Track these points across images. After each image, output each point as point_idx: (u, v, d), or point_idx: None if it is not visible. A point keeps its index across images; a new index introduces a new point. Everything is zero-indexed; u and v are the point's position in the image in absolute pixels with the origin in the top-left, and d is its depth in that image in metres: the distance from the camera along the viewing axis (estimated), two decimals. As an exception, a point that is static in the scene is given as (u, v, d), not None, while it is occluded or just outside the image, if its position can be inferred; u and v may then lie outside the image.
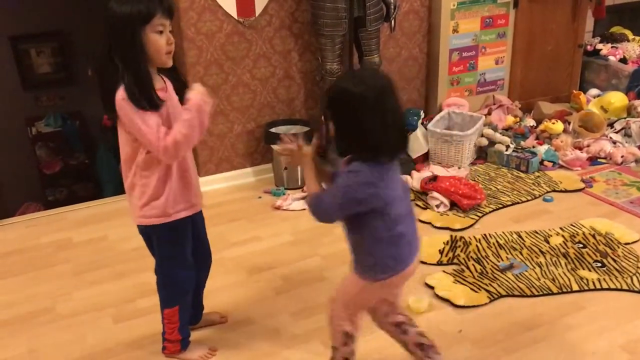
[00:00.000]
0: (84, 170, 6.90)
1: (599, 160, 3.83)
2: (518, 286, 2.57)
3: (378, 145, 1.63)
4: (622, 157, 3.77)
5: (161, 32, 1.80)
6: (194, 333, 2.31)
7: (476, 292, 2.54)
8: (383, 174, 1.67)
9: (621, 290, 2.55)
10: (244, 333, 2.38)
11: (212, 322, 2.41)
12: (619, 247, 2.83)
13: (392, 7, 3.53)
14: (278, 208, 3.38)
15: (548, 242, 2.90)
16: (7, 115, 6.35)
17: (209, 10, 3.36)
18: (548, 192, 3.44)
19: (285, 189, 3.59)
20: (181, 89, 1.95)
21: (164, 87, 1.91)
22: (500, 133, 3.88)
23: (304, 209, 3.36)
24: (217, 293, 2.62)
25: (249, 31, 3.50)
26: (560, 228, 3.03)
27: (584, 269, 2.69)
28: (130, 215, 2.05)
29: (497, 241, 2.92)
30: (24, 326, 2.47)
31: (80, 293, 2.67)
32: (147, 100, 1.79)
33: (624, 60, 4.63)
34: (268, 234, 3.13)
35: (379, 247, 1.75)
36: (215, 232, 3.14)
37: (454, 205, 3.27)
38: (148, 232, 2.05)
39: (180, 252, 2.08)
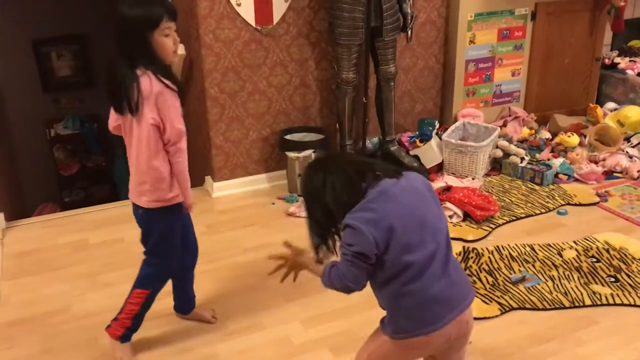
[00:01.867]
0: (101, 172, 6.99)
1: (614, 174, 3.81)
2: (530, 299, 2.56)
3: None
4: (638, 171, 3.75)
5: (167, 35, 1.97)
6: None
7: (487, 303, 2.54)
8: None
9: (634, 306, 2.53)
10: (254, 339, 2.39)
11: (202, 318, 2.49)
12: (633, 263, 2.81)
13: (409, 17, 3.55)
14: (291, 215, 3.40)
15: (561, 256, 2.89)
16: (27, 117, 6.45)
17: (228, 18, 3.40)
18: (562, 205, 3.43)
19: (299, 195, 3.61)
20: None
21: None
22: (515, 145, 3.87)
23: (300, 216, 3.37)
24: (228, 298, 2.64)
25: (266, 39, 3.53)
26: (574, 242, 3.01)
27: (597, 283, 2.67)
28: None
29: (509, 253, 2.91)
30: (39, 325, 2.51)
31: (95, 294, 2.71)
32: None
33: (642, 74, 4.61)
34: (280, 240, 3.11)
35: (389, 301, 1.61)
36: (228, 237, 3.19)
37: (467, 216, 3.27)
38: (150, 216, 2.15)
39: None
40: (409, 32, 3.63)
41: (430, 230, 1.56)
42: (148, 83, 1.94)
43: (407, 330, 1.59)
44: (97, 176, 6.98)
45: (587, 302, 2.55)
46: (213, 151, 3.65)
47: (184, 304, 2.49)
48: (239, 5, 3.39)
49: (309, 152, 3.56)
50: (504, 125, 4.14)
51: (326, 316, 2.49)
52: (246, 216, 3.41)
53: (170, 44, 1.98)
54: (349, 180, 1.58)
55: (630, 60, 4.73)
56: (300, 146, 3.56)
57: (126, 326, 2.22)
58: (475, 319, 2.42)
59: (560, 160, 3.83)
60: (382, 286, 1.60)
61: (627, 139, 4.12)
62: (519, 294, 2.60)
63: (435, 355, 1.73)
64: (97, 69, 6.85)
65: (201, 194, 3.78)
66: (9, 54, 5.82)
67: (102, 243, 3.15)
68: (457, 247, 2.98)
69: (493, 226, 3.20)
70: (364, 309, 2.54)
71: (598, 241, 3.00)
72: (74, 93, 6.87)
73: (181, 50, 3.72)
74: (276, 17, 3.50)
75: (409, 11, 3.54)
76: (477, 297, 2.58)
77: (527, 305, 2.53)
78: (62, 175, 6.89)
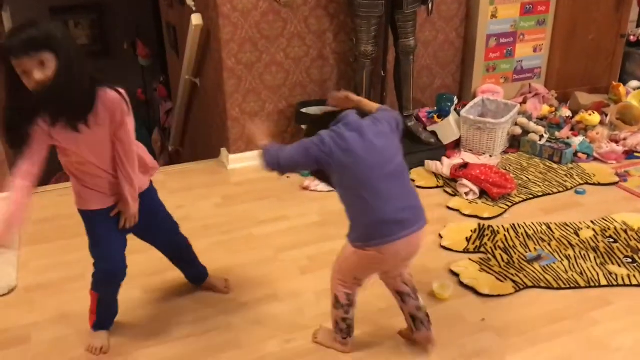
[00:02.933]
0: (117, 142, 7.01)
1: (635, 154, 3.75)
2: (545, 278, 2.55)
3: None
4: (659, 152, 3.68)
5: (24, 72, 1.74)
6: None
7: (502, 281, 2.53)
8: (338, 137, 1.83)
9: (651, 287, 2.51)
10: (268, 310, 2.41)
11: (215, 288, 2.50)
12: (651, 244, 2.78)
13: (431, -10, 3.47)
14: (306, 188, 3.39)
15: (578, 235, 2.86)
16: (45, 85, 6.46)
17: (246, -12, 3.36)
18: (581, 184, 3.38)
19: (314, 169, 3.60)
20: None
21: None
22: (535, 122, 3.82)
23: (331, 190, 3.36)
24: (243, 269, 2.66)
25: (284, 10, 3.49)
26: (591, 221, 2.98)
27: (613, 264, 2.65)
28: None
29: (525, 231, 2.89)
30: (56, 291, 2.55)
31: (111, 262, 2.73)
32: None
33: (667, 53, 4.51)
34: (295, 213, 3.15)
35: (350, 212, 1.89)
36: (243, 209, 3.20)
37: (483, 194, 3.24)
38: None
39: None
40: (430, 5, 3.56)
41: (389, 160, 1.85)
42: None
43: (362, 240, 1.87)
44: (113, 146, 7.01)
45: (603, 282, 2.53)
46: (229, 123, 3.64)
47: (193, 276, 2.51)
48: (257, -26, 3.34)
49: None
50: (524, 102, 4.08)
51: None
52: (261, 189, 3.41)
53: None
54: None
55: (656, 38, 4.63)
56: (317, 120, 3.52)
57: (92, 321, 2.22)
58: (489, 296, 2.44)
59: (580, 138, 3.77)
60: (345, 198, 1.89)
61: (650, 119, 4.04)
62: (534, 272, 2.58)
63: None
64: (113, 38, 6.84)
65: (217, 165, 3.79)
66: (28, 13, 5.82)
67: (118, 212, 3.17)
68: (472, 224, 2.96)
69: (509, 204, 3.17)
70: (378, 285, 2.54)
71: (616, 221, 2.97)
72: (91, 62, 6.87)
73: (198, 20, 3.70)
74: (295, -13, 3.45)
75: (431, -17, 3.47)
76: (491, 274, 2.57)
77: (542, 284, 2.51)
78: (79, 144, 6.93)
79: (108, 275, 2.13)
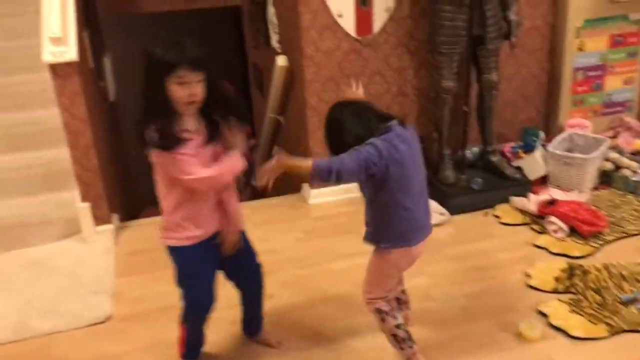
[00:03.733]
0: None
1: None
2: (642, 322, 2.40)
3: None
4: None
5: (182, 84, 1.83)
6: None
7: (594, 324, 2.41)
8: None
9: None
10: (350, 344, 2.41)
11: (267, 343, 2.44)
12: None
13: (514, 24, 3.44)
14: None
15: (679, 277, 2.68)
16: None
17: (329, 29, 3.46)
18: (680, 222, 3.19)
19: (395, 205, 3.60)
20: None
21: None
22: (627, 157, 3.65)
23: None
24: (324, 302, 2.69)
25: (365, 49, 3.56)
26: (694, 262, 2.79)
27: None
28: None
29: (619, 272, 2.74)
30: (148, 321, 2.67)
31: (198, 294, 2.83)
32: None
33: None
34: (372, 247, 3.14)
35: (384, 219, 2.00)
36: (323, 243, 3.24)
37: (572, 232, 3.12)
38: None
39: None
40: (513, 40, 3.52)
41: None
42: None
43: (394, 242, 2.00)
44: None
45: None
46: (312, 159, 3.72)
47: (247, 326, 2.47)
48: (340, 16, 3.45)
49: (406, 161, 3.54)
50: (615, 136, 3.91)
51: (420, 326, 2.46)
52: (341, 223, 3.45)
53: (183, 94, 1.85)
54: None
55: None
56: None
57: (181, 351, 2.30)
58: (581, 339, 2.33)
59: (678, 174, 3.56)
60: (381, 204, 1.97)
61: None
62: (630, 315, 2.44)
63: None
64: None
65: (298, 200, 3.86)
66: (125, 65, 6.23)
67: (205, 245, 3.29)
68: (561, 263, 2.85)
69: (601, 242, 3.03)
70: (461, 323, 2.49)
71: None
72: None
73: (283, 61, 3.84)
74: (376, 27, 3.53)
75: (514, 18, 3.43)
76: (582, 316, 2.45)
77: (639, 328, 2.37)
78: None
79: (197, 308, 2.19)
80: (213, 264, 2.16)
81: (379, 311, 2.13)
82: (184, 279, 2.14)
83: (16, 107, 3.89)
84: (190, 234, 2.04)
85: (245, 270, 2.30)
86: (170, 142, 1.85)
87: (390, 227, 1.99)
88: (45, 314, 2.72)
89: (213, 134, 1.97)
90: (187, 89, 1.83)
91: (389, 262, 2.06)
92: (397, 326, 2.13)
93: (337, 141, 1.97)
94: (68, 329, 2.62)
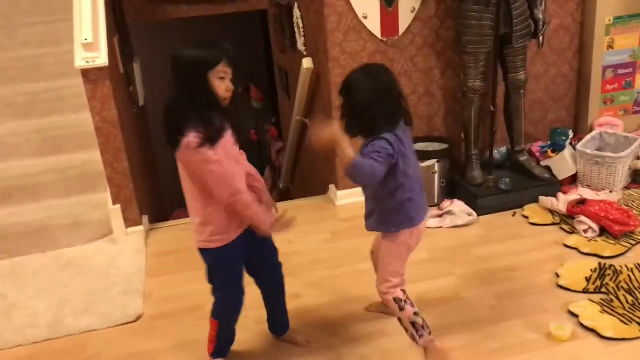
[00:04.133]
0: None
1: None
2: (676, 322, 2.35)
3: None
4: None
5: (223, 78, 1.92)
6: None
7: (627, 324, 2.37)
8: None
9: None
10: (378, 345, 2.41)
11: (294, 341, 2.47)
12: None
13: (542, 23, 3.41)
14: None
15: None
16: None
17: (354, 31, 3.48)
18: None
19: (423, 206, 3.59)
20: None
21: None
22: (660, 156, 3.58)
23: (440, 227, 3.34)
24: (351, 304, 2.70)
25: (391, 50, 3.57)
26: None
27: None
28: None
29: (652, 272, 2.70)
30: (178, 320, 2.71)
31: (227, 294, 2.87)
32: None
33: None
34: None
35: (392, 203, 2.13)
36: (351, 244, 3.25)
37: (603, 231, 3.07)
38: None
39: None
40: (541, 39, 3.49)
41: (415, 159, 2.16)
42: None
43: (402, 223, 2.15)
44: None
45: None
46: (337, 161, 3.73)
47: (273, 325, 2.50)
48: (365, 18, 3.46)
49: (432, 161, 3.53)
50: (647, 134, 3.85)
51: (450, 327, 2.46)
52: (369, 225, 3.44)
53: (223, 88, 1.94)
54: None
55: None
56: (423, 156, 3.53)
57: (211, 349, 2.33)
58: (613, 339, 2.29)
59: None
60: (389, 190, 2.10)
61: None
62: (664, 316, 2.40)
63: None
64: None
65: (325, 202, 3.88)
66: (153, 70, 6.34)
67: (233, 246, 3.33)
68: (592, 264, 2.81)
69: (633, 242, 2.98)
70: (490, 323, 2.48)
71: None
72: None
73: (309, 63, 3.88)
74: (402, 28, 3.53)
75: (541, 17, 3.40)
76: (614, 316, 2.42)
77: (674, 329, 2.33)
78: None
79: (232, 304, 2.24)
80: (241, 260, 2.21)
81: (397, 300, 2.19)
82: (218, 278, 2.19)
83: (50, 112, 3.99)
84: (222, 236, 2.08)
85: (270, 266, 2.35)
86: (216, 132, 1.91)
87: (398, 212, 2.13)
88: (79, 313, 2.78)
89: (239, 133, 2.05)
90: (225, 84, 1.92)
91: (399, 244, 2.18)
92: (415, 314, 2.19)
93: (362, 108, 2.02)
94: (101, 328, 2.68)
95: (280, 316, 2.48)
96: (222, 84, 1.92)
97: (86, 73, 3.16)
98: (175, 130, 1.90)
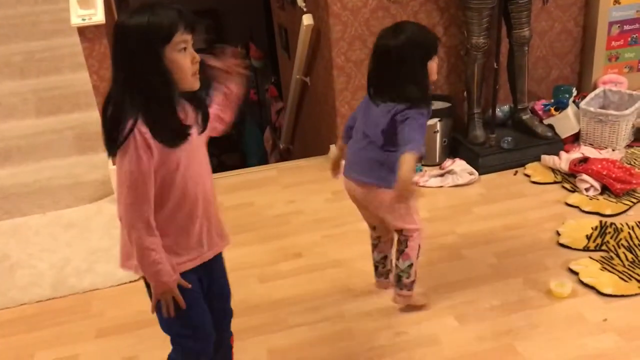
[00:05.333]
0: (231, 142, 7.37)
1: None
2: (676, 279, 2.37)
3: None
4: None
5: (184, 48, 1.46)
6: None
7: (626, 281, 2.38)
8: None
9: None
10: (379, 302, 2.43)
11: None
12: None
13: (547, -23, 3.33)
14: (415, 184, 3.38)
15: None
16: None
17: (356, -14, 3.40)
18: None
19: (422, 165, 3.58)
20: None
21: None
22: (664, 113, 3.55)
23: (441, 186, 3.34)
24: (354, 262, 2.71)
25: (393, 6, 3.49)
26: None
27: None
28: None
29: (653, 230, 2.71)
30: (180, 279, 2.72)
31: (229, 253, 2.82)
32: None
33: None
34: (405, 208, 3.14)
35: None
36: (352, 204, 3.24)
37: (605, 190, 3.07)
38: None
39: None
40: (546, -7, 3.42)
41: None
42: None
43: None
44: (228, 145, 7.37)
45: None
46: (338, 120, 3.71)
47: None
48: (366, -28, 3.38)
49: (434, 120, 3.50)
50: (652, 92, 3.80)
51: (451, 285, 2.48)
52: (370, 184, 3.44)
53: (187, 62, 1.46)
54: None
55: None
56: (426, 114, 3.50)
57: None
58: (612, 296, 2.31)
59: None
60: (393, 147, 2.02)
61: None
62: (664, 273, 2.41)
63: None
64: (228, 41, 7.16)
65: (326, 162, 3.85)
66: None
67: (234, 206, 3.34)
68: (593, 221, 2.81)
69: (635, 200, 2.98)
70: (490, 281, 2.50)
71: None
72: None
73: (309, 20, 3.80)
74: (404, -18, 3.45)
75: (547, -29, 3.33)
76: (614, 273, 2.43)
77: (673, 286, 2.34)
78: (196, 143, 7.35)
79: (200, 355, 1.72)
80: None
81: (418, 248, 2.24)
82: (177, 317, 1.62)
83: (46, 72, 3.94)
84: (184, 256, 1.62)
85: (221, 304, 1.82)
86: (178, 134, 1.49)
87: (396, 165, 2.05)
88: (82, 272, 2.80)
89: (205, 120, 1.60)
90: (189, 54, 1.47)
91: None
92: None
93: (401, 75, 2.01)
94: (104, 287, 2.70)
95: None
96: (184, 56, 1.45)
97: (82, 31, 3.11)
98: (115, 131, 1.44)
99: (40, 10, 4.20)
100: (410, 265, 2.23)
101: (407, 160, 1.86)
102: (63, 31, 3.93)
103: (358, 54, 3.55)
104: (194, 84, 1.51)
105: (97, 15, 3.09)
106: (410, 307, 2.34)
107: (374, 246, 2.43)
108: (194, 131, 1.56)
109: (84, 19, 3.07)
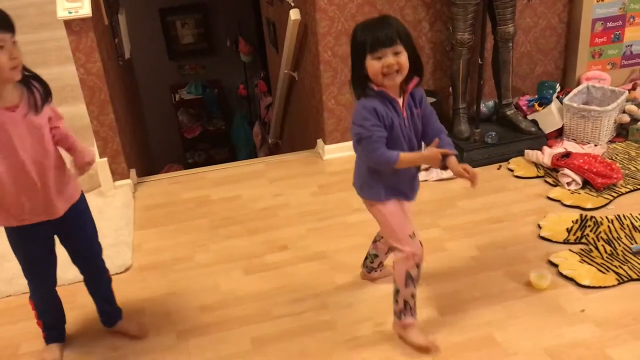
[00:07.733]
0: (220, 136, 7.37)
1: None
2: (652, 271, 2.42)
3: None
4: None
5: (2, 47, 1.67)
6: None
7: (604, 273, 2.43)
8: None
9: None
10: (362, 294, 2.47)
11: (127, 332, 2.32)
12: None
13: (531, -26, 3.37)
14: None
15: (692, 228, 2.69)
16: (156, 83, 6.91)
17: (342, -19, 3.42)
18: (697, 174, 3.17)
19: (409, 159, 3.61)
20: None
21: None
22: (645, 109, 3.60)
23: (426, 180, 3.37)
24: (338, 254, 2.74)
25: (380, 1, 3.52)
26: None
27: None
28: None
29: (631, 223, 2.75)
30: (167, 271, 2.75)
31: (216, 245, 2.91)
32: None
33: None
34: (390, 202, 3.18)
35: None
36: (338, 197, 3.28)
37: (586, 184, 3.12)
38: None
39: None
40: (530, -10, 3.46)
41: None
42: None
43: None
44: (217, 139, 7.38)
45: None
46: (325, 115, 3.73)
47: (102, 315, 2.34)
48: (353, -33, 3.40)
49: (420, 115, 3.53)
50: (633, 88, 3.86)
51: (433, 277, 2.51)
52: (356, 178, 3.47)
53: (4, 59, 1.69)
54: None
55: None
56: (411, 109, 3.53)
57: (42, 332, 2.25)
58: (590, 287, 2.36)
59: (697, 126, 3.52)
60: None
61: None
62: (641, 265, 2.47)
63: None
64: (217, 36, 7.16)
65: (313, 156, 3.89)
66: (139, 23, 6.23)
67: (222, 199, 3.36)
68: (574, 215, 2.86)
69: (615, 195, 3.03)
70: (472, 273, 2.54)
71: None
72: (196, 60, 7.25)
73: (296, 14, 3.82)
74: (390, -22, 3.48)
75: (531, -33, 3.36)
76: (592, 265, 2.48)
77: (649, 277, 2.39)
78: (185, 137, 7.35)
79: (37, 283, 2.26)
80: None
81: (406, 273, 2.10)
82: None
83: (33, 65, 3.91)
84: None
85: (78, 250, 2.27)
86: None
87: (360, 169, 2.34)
88: (68, 265, 2.79)
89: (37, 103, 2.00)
90: (6, 53, 1.75)
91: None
92: (413, 295, 2.13)
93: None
94: (90, 279, 2.71)
95: (102, 305, 2.33)
96: (2, 53, 1.63)
97: (69, 24, 3.10)
98: None
99: (27, 3, 4.19)
100: (397, 292, 2.11)
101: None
102: (50, 24, 3.92)
103: (345, 49, 3.57)
104: (15, 76, 1.79)
105: (84, 8, 3.09)
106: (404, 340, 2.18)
107: (375, 240, 2.44)
108: (21, 111, 1.85)
109: (70, 12, 3.07)
